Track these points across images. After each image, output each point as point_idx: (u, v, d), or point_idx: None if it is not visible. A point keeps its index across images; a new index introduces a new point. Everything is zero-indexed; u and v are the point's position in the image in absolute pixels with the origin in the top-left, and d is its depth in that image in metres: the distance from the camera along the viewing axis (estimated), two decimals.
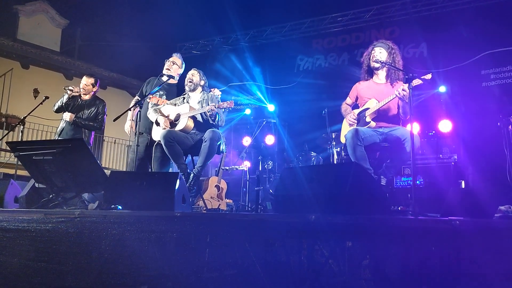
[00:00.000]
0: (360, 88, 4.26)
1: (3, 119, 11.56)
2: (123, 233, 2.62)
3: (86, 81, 5.61)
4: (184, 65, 5.18)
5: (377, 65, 4.08)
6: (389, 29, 9.29)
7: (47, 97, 5.73)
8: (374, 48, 4.13)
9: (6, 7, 13.73)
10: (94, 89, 5.66)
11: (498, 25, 7.68)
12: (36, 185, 3.66)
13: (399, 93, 3.73)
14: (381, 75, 4.17)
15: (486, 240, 1.86)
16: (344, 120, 4.31)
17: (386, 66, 4.06)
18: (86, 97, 5.62)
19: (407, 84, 3.72)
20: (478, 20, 7.98)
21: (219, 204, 6.14)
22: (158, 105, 4.74)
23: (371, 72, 4.22)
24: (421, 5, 8.76)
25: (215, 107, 4.24)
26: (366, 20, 9.48)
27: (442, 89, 7.40)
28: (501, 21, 7.71)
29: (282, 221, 2.33)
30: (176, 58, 5.10)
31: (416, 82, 3.54)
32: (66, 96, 5.51)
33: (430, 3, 8.69)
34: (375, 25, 9.42)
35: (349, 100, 4.39)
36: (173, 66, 5.01)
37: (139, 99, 4.95)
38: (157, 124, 4.59)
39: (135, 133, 4.30)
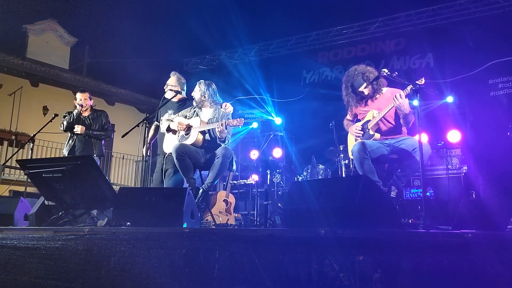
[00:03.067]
0: (356, 106, 4.23)
1: (13, 137, 11.66)
2: (132, 249, 2.61)
3: (82, 96, 5.83)
4: (181, 78, 5.10)
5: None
6: (395, 41, 9.32)
7: (56, 115, 5.84)
8: (361, 87, 4.04)
9: (15, 26, 13.96)
10: (91, 102, 5.93)
11: (504, 34, 7.67)
12: (46, 202, 3.67)
13: (395, 101, 3.71)
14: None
15: (499, 253, 1.82)
16: (349, 134, 4.29)
17: (392, 78, 4.03)
18: (86, 113, 5.84)
19: (402, 91, 3.72)
20: (484, 29, 7.98)
21: (228, 219, 6.12)
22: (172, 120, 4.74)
23: (361, 98, 4.17)
24: (426, 16, 8.78)
25: (225, 124, 4.20)
26: (371, 32, 9.52)
27: (450, 99, 7.37)
28: (507, 30, 7.70)
29: (291, 236, 2.31)
30: (171, 79, 5.06)
31: (409, 88, 3.57)
32: (76, 111, 5.74)
33: (436, 14, 8.71)
34: (381, 36, 9.46)
35: (349, 117, 4.39)
36: (169, 87, 5.00)
37: (157, 123, 5.06)
38: (168, 131, 4.59)
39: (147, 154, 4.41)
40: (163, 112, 4.91)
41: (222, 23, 10.31)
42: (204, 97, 4.56)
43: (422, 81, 3.53)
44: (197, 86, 4.61)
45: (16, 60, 12.49)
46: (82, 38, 15.15)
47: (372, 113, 4.02)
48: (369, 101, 4.14)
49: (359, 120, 4.26)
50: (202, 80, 4.64)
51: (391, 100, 3.81)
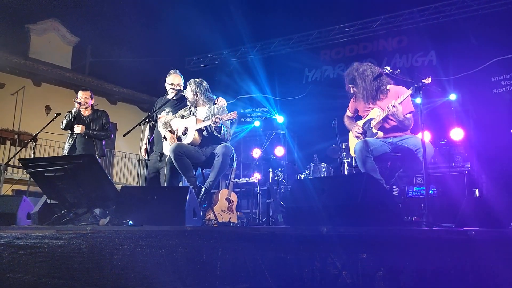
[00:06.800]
0: (358, 101, 4.19)
1: (16, 136, 11.71)
2: (134, 248, 2.61)
3: (83, 94, 5.82)
4: (181, 76, 5.07)
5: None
6: (397, 38, 9.29)
7: (58, 114, 5.84)
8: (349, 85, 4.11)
9: (18, 26, 14.00)
10: (92, 101, 5.90)
11: (507, 31, 7.64)
12: (48, 201, 3.68)
13: (389, 110, 3.70)
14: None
15: (502, 251, 1.82)
16: (350, 132, 4.26)
17: (394, 76, 3.99)
18: (87, 113, 5.82)
19: (399, 99, 3.71)
20: (486, 27, 7.95)
21: (230, 217, 6.11)
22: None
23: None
24: (429, 13, 8.75)
25: (219, 119, 4.21)
26: (374, 30, 9.49)
27: (453, 97, 7.34)
28: (510, 28, 7.67)
29: (293, 234, 2.31)
30: (176, 78, 4.98)
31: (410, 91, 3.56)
32: (74, 110, 5.71)
33: (438, 12, 8.67)
34: (383, 34, 9.43)
35: (349, 113, 4.34)
36: (175, 86, 4.92)
37: (152, 122, 5.03)
38: (166, 139, 4.61)
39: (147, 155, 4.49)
40: (160, 110, 4.91)
41: (223, 21, 10.30)
42: (197, 95, 4.57)
43: (429, 80, 3.51)
44: (188, 86, 4.62)
45: (18, 60, 12.52)
46: (84, 38, 15.19)
47: (376, 111, 3.99)
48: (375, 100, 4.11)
49: (360, 117, 4.24)
50: (192, 80, 4.64)
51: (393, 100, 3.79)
